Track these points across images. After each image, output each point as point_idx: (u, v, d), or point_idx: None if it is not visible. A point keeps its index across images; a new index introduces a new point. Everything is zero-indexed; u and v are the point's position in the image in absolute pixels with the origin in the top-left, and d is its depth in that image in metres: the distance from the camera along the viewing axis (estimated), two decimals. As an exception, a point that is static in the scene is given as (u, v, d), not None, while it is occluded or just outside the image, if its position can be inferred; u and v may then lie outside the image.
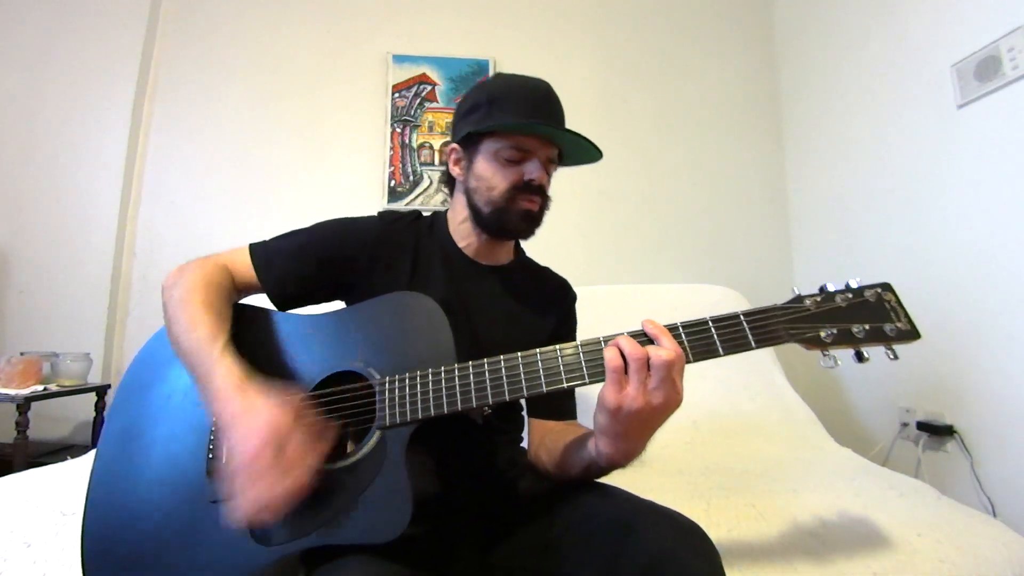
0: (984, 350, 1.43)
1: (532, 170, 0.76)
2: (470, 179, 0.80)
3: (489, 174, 0.77)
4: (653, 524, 0.57)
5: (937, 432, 1.53)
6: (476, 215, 0.80)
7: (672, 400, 0.55)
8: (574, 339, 0.89)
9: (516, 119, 0.75)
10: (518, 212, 0.77)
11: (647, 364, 0.54)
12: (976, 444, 1.45)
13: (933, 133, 1.60)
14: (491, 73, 2.20)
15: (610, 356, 0.56)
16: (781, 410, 1.53)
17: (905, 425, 1.66)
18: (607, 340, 0.58)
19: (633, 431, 0.58)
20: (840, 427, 1.70)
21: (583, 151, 0.79)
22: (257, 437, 0.55)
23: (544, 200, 0.79)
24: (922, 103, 1.64)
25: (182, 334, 0.66)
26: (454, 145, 0.83)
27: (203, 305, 0.68)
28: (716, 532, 0.83)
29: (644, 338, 0.57)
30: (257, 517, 0.54)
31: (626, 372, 0.55)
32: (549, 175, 0.81)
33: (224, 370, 0.61)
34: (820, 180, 2.14)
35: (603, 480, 0.69)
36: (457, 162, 0.82)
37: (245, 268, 0.78)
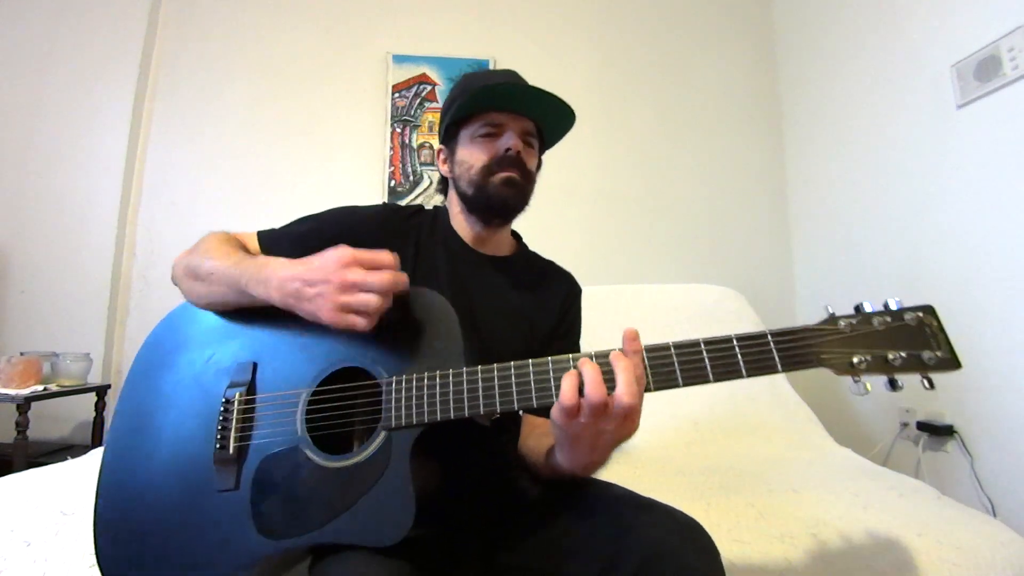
0: (984, 350, 1.43)
1: (506, 140, 0.77)
2: (455, 169, 0.83)
3: (467, 156, 0.80)
4: (653, 521, 0.57)
5: (937, 432, 1.53)
6: (465, 201, 0.82)
7: (623, 433, 0.55)
8: (577, 333, 0.89)
9: (481, 96, 0.77)
10: (497, 181, 0.78)
11: (605, 406, 0.51)
12: (976, 444, 1.45)
13: (933, 133, 1.60)
14: (491, 73, 2.21)
15: (567, 388, 0.52)
16: (781, 410, 1.53)
17: (905, 425, 1.66)
18: (604, 355, 0.55)
19: (583, 447, 0.57)
20: (840, 427, 1.70)
21: (558, 117, 0.80)
22: (332, 251, 0.59)
23: (526, 174, 0.80)
24: (922, 103, 1.64)
25: (219, 264, 0.68)
26: (440, 147, 0.87)
27: (232, 247, 0.72)
28: (716, 532, 0.82)
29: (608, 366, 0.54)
30: (362, 300, 0.56)
31: (579, 409, 0.52)
32: (534, 148, 0.82)
33: (278, 259, 0.65)
34: (820, 180, 2.14)
35: (603, 479, 0.69)
36: (445, 161, 0.86)
37: (253, 251, 0.79)
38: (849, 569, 0.73)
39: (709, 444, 1.36)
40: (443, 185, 0.90)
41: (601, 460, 0.61)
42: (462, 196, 0.82)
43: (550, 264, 0.93)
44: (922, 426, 1.58)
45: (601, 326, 0.98)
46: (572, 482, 0.70)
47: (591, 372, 0.52)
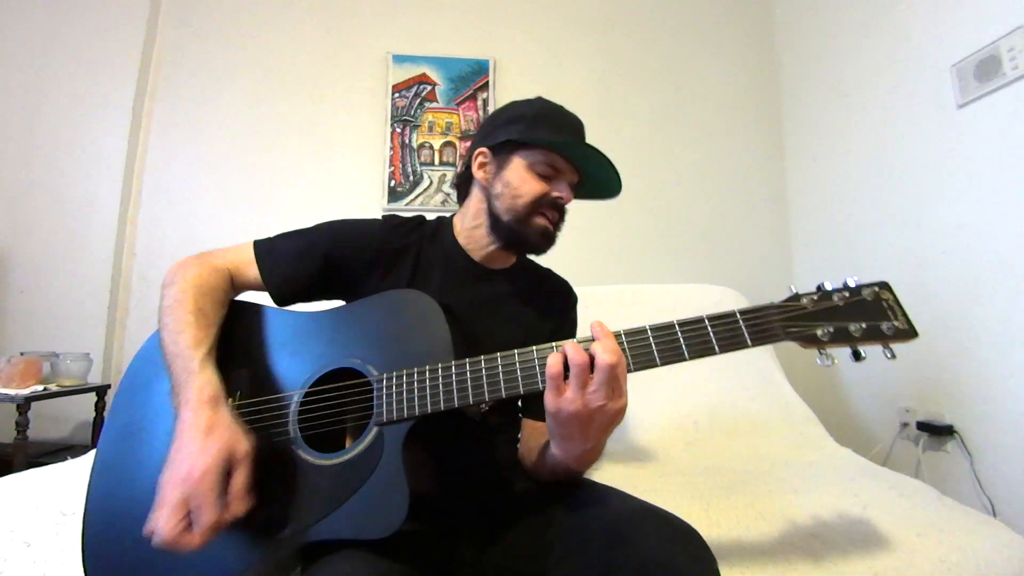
0: (984, 350, 1.43)
1: (562, 189, 0.78)
2: (496, 184, 0.80)
3: (518, 183, 0.78)
4: (648, 528, 0.57)
5: (937, 432, 1.53)
6: (494, 221, 0.80)
7: (613, 403, 0.55)
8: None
9: (570, 140, 0.78)
10: (537, 228, 0.78)
11: (589, 368, 0.55)
12: (976, 444, 1.45)
13: (933, 133, 1.60)
14: (491, 73, 2.21)
15: (552, 362, 0.56)
16: (781, 410, 1.53)
17: (905, 425, 1.66)
18: (584, 339, 0.59)
19: (576, 434, 0.58)
20: (840, 427, 1.70)
21: (599, 185, 0.82)
22: (210, 455, 0.55)
23: (561, 219, 0.82)
24: (922, 103, 1.64)
25: (168, 337, 0.67)
26: (483, 149, 0.83)
27: (192, 311, 0.68)
28: (716, 532, 0.83)
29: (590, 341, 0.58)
30: (179, 541, 0.52)
31: (566, 377, 0.56)
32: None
33: (201, 382, 0.61)
34: (820, 180, 2.14)
35: (602, 480, 0.69)
36: (483, 166, 0.83)
37: (248, 266, 0.78)
38: (849, 569, 0.73)
39: (709, 444, 1.35)
40: (461, 183, 0.88)
41: (595, 450, 0.62)
42: (493, 215, 0.81)
43: (548, 272, 0.94)
44: (922, 426, 1.58)
45: (601, 326, 0.98)
46: (569, 481, 0.70)
47: (571, 344, 0.57)
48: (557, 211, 0.80)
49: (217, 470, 0.55)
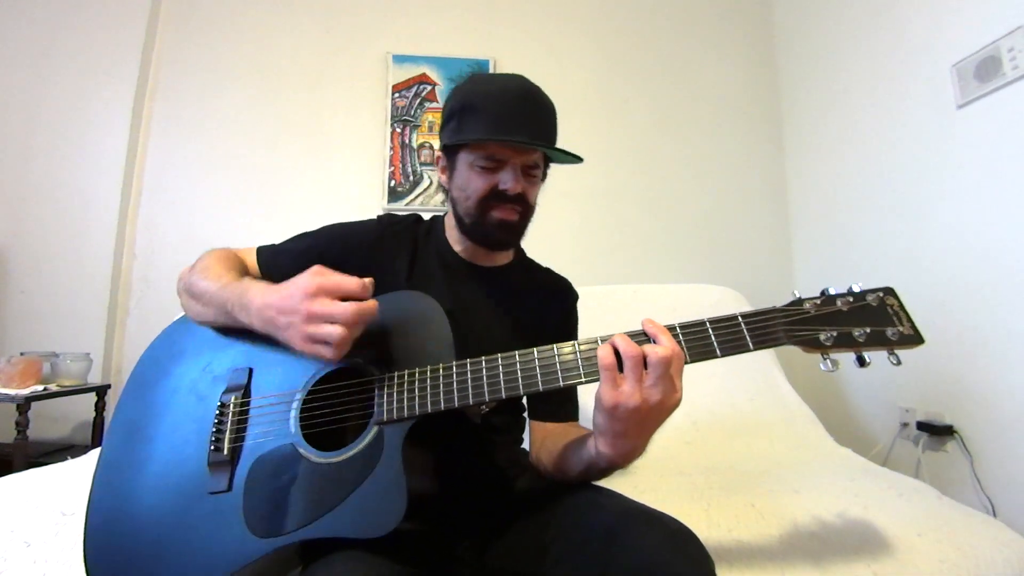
0: (984, 350, 1.43)
1: (506, 179, 0.75)
2: (453, 188, 0.80)
3: (466, 183, 0.77)
4: (646, 530, 0.56)
5: (937, 432, 1.53)
6: (460, 223, 0.81)
7: (670, 399, 0.54)
8: (576, 339, 0.89)
9: (486, 130, 0.73)
10: (493, 222, 0.77)
11: (643, 362, 0.54)
12: (976, 444, 1.45)
13: (933, 133, 1.60)
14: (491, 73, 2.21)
15: (603, 354, 0.55)
16: (781, 410, 1.53)
17: (905, 425, 1.66)
18: (604, 340, 0.58)
19: (632, 430, 0.56)
20: (840, 427, 1.70)
21: (564, 155, 0.77)
22: (302, 277, 0.61)
23: (525, 208, 0.78)
24: (922, 103, 1.63)
25: (211, 286, 0.71)
26: (439, 153, 0.83)
27: (226, 268, 0.74)
28: (716, 532, 0.83)
29: (642, 337, 0.57)
30: (326, 331, 0.58)
31: (621, 370, 0.55)
32: (537, 178, 0.79)
33: (258, 285, 0.68)
34: (820, 180, 2.14)
35: (601, 482, 0.69)
36: (444, 170, 0.83)
37: (251, 268, 0.81)
38: (849, 569, 0.73)
39: (709, 444, 1.35)
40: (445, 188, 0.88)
41: (644, 444, 0.60)
42: (458, 219, 0.81)
43: (548, 272, 0.94)
44: (922, 426, 1.58)
45: (601, 327, 0.98)
46: (566, 485, 0.69)
47: (622, 337, 0.56)
48: (513, 201, 0.76)
49: (318, 275, 0.61)
